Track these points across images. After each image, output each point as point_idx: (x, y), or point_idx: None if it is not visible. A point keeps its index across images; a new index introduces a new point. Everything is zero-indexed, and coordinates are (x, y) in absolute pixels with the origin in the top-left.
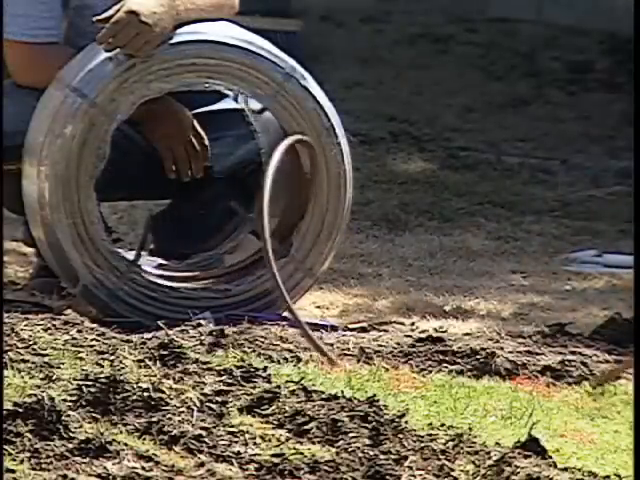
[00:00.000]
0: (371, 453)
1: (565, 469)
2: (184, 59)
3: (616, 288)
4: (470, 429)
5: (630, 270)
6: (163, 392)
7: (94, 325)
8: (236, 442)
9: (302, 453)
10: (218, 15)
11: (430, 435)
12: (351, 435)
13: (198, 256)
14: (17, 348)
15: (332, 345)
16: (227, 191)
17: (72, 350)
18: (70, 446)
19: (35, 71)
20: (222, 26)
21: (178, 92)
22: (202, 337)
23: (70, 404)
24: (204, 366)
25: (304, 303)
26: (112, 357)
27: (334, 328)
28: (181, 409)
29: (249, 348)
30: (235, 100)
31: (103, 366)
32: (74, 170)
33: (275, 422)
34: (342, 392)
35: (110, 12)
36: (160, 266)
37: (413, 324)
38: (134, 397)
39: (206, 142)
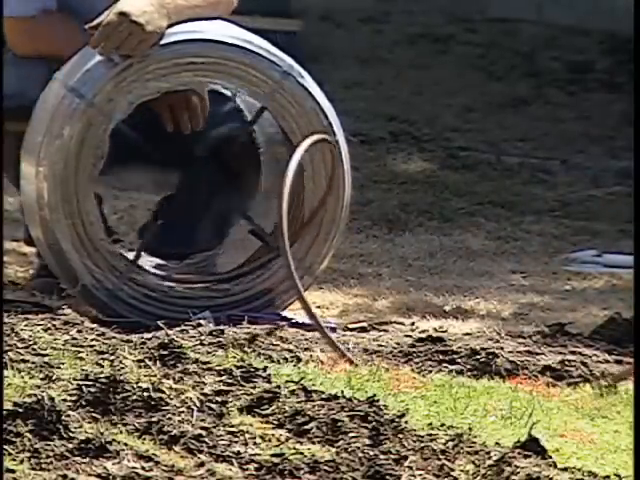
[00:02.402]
0: (371, 453)
1: (565, 469)
2: (181, 58)
3: (616, 288)
4: (470, 429)
5: (630, 270)
6: (163, 392)
7: (94, 325)
8: (236, 442)
9: (302, 453)
10: (214, 11)
11: (430, 435)
12: (351, 435)
13: (197, 257)
14: (17, 348)
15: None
16: (212, 174)
17: (72, 350)
18: (70, 446)
19: (31, 41)
20: (219, 25)
21: None
22: (202, 337)
23: (70, 404)
24: (204, 366)
25: None
26: (112, 357)
27: (333, 329)
28: (181, 409)
29: (249, 348)
30: (233, 100)
31: (103, 366)
32: (72, 170)
33: (275, 422)
34: (342, 392)
35: (101, 17)
36: (159, 266)
37: (413, 324)
38: (134, 397)
39: (206, 97)
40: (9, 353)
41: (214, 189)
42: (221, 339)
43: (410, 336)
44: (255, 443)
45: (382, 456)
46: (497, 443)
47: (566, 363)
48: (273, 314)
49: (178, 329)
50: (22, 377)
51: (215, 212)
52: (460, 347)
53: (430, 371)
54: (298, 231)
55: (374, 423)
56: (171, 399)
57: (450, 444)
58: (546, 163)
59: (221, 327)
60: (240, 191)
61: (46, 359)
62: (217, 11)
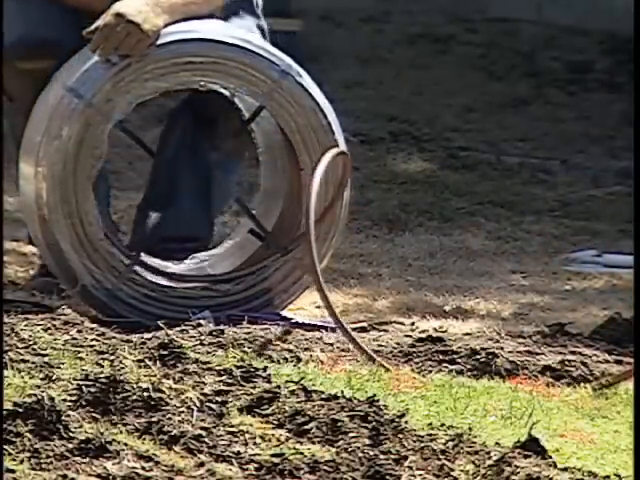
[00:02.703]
0: (371, 453)
1: (565, 469)
2: (179, 58)
3: (616, 288)
4: (470, 429)
5: (630, 270)
6: (163, 392)
7: (94, 325)
8: (236, 442)
9: (302, 453)
10: (209, 7)
11: (430, 435)
12: (351, 435)
13: (197, 257)
14: (17, 348)
15: (332, 345)
16: (187, 123)
17: (72, 350)
18: (70, 446)
19: None
20: (217, 24)
21: None
22: (202, 337)
23: (70, 404)
24: (204, 366)
25: (304, 303)
26: (112, 357)
27: (334, 330)
28: (181, 409)
29: (249, 348)
30: (231, 100)
31: (103, 366)
32: (71, 170)
33: (275, 422)
34: (342, 392)
35: (98, 22)
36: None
37: (413, 324)
38: (134, 397)
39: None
40: (9, 353)
41: (190, 143)
42: (221, 339)
43: (410, 336)
44: (255, 443)
45: (382, 456)
46: (497, 443)
47: (566, 363)
48: (273, 314)
49: (178, 329)
50: (22, 377)
51: (197, 172)
52: (460, 347)
53: (430, 371)
54: (301, 235)
55: (374, 423)
56: (171, 399)
57: (450, 444)
58: (546, 163)
59: (221, 327)
60: (217, 140)
61: (46, 359)
62: (212, 6)
